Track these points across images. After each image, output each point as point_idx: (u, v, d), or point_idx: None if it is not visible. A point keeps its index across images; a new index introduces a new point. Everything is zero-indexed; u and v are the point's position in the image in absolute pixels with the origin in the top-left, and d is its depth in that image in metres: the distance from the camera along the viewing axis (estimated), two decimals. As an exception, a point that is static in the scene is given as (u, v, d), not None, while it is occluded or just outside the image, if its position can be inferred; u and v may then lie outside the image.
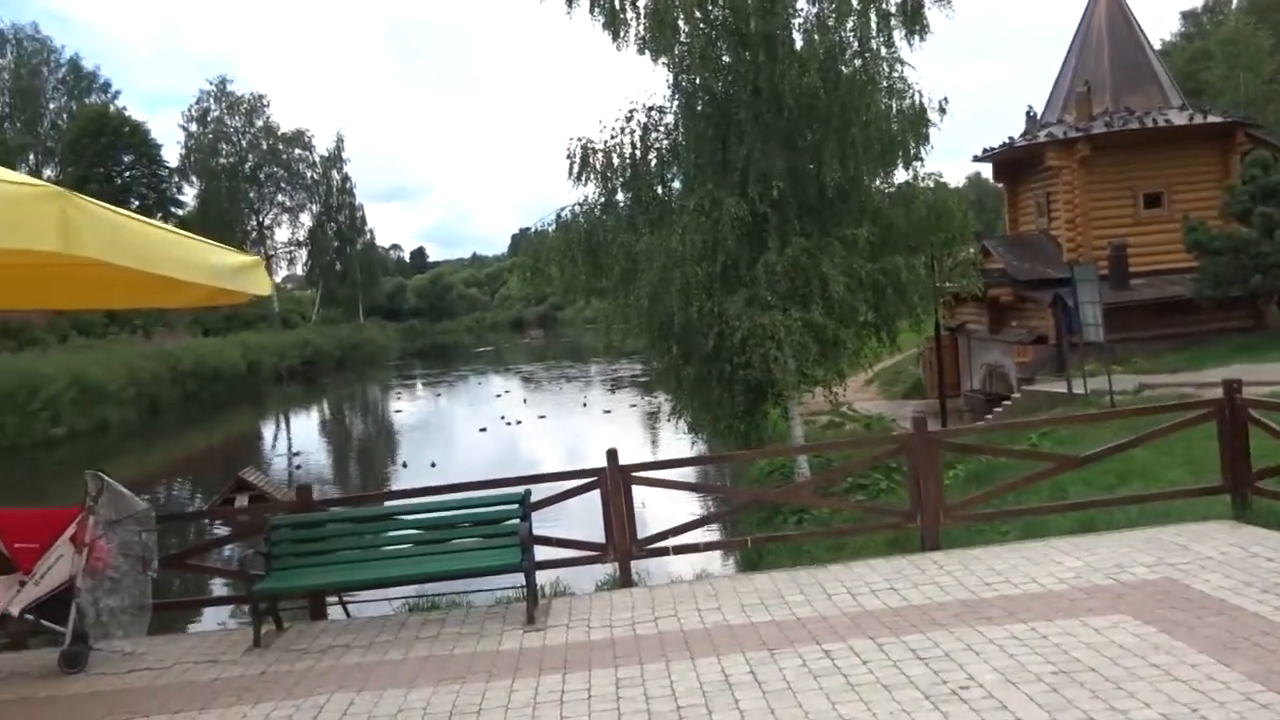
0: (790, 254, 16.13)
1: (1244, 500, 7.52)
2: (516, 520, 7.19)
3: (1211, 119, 25.42)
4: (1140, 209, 25.73)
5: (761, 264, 16.21)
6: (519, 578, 7.20)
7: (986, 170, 34.32)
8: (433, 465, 29.11)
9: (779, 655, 5.68)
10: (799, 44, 16.75)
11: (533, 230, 19.18)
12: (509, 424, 35.81)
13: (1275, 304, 23.40)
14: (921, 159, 16.93)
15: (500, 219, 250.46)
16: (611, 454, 7.77)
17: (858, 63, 16.68)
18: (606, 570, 8.30)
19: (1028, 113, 29.47)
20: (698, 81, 17.23)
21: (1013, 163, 28.77)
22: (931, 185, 18.06)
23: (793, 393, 17.79)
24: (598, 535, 7.86)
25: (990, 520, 7.86)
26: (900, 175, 17.64)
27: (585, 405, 40.33)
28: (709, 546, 8.20)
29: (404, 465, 30.29)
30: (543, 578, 7.70)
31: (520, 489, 7.50)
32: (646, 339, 17.86)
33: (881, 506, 8.65)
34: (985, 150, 28.13)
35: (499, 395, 47.05)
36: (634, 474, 7.78)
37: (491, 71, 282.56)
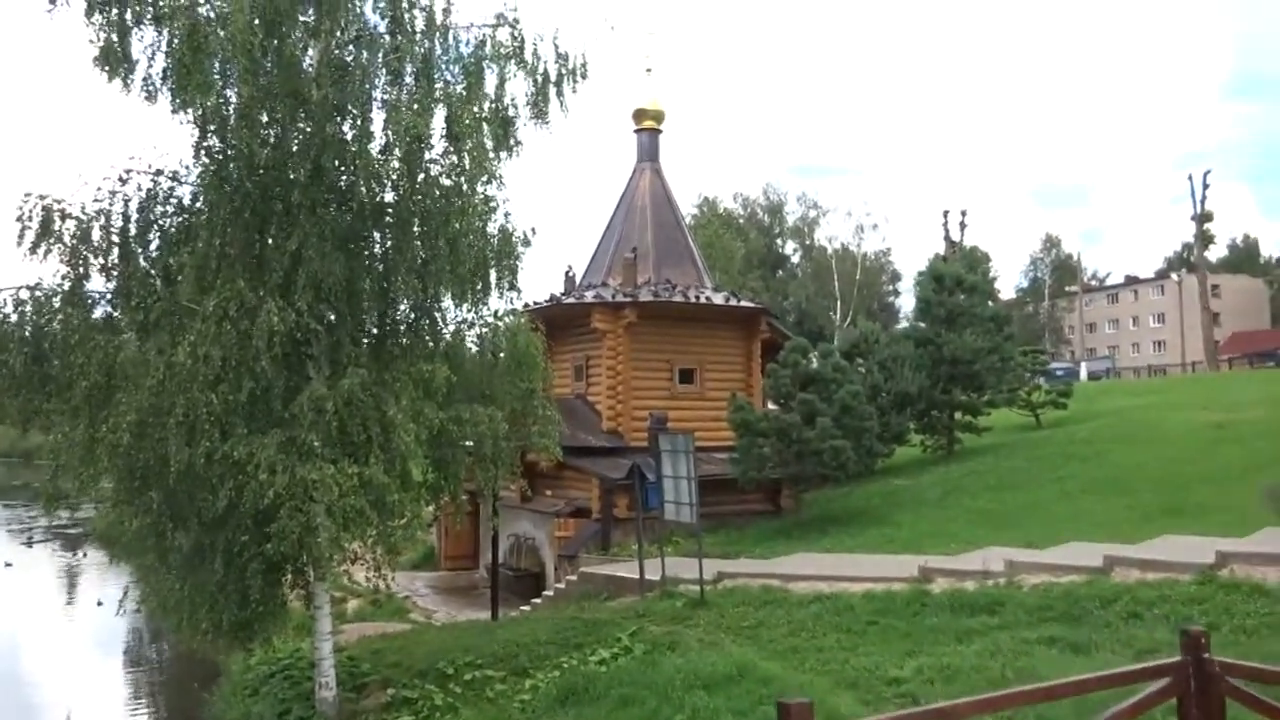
0: (347, 388, 12.17)
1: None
2: None
3: (744, 304, 26.10)
4: (676, 384, 25.32)
5: (307, 397, 12.03)
6: None
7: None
8: None
9: None
10: (379, 127, 13.23)
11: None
12: None
13: (797, 491, 23.70)
14: (518, 289, 14.01)
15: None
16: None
17: (451, 160, 13.46)
18: None
19: (567, 273, 28.41)
20: (234, 147, 12.81)
21: (552, 321, 27.19)
22: (504, 327, 15.32)
23: (328, 571, 13.47)
24: None
25: None
26: (482, 310, 14.62)
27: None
28: None
29: None
30: None
31: None
32: (121, 487, 12.35)
33: None
34: (528, 305, 26.21)
35: None
36: None
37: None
